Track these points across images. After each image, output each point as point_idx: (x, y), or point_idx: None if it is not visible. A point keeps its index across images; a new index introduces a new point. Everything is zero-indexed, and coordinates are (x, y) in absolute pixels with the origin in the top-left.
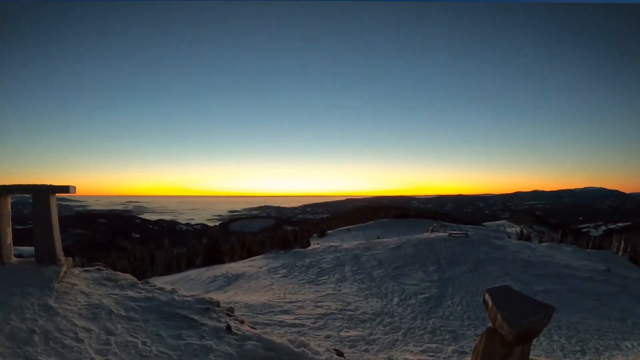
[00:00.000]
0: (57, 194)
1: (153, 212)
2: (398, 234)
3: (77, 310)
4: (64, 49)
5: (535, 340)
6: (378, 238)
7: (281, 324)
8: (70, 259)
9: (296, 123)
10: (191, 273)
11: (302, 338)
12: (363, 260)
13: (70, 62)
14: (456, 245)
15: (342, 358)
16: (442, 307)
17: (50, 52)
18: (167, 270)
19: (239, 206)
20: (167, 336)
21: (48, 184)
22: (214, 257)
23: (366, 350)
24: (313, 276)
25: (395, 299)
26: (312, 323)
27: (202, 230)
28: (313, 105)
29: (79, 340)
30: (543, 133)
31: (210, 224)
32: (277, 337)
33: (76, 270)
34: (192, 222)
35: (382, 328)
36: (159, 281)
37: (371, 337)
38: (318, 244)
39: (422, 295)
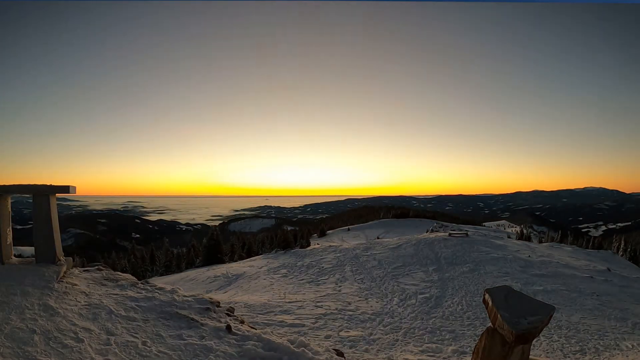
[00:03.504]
0: (57, 194)
1: (153, 212)
2: (398, 234)
3: (77, 310)
4: (64, 49)
5: (535, 340)
6: (378, 238)
7: (281, 324)
8: (70, 259)
9: (297, 122)
10: (191, 273)
11: (302, 338)
12: (363, 260)
13: (71, 63)
14: (456, 245)
15: (342, 358)
16: (442, 307)
17: (50, 52)
18: (167, 270)
19: (239, 206)
20: (167, 336)
21: (48, 184)
22: (214, 257)
23: (366, 350)
24: (313, 276)
25: (395, 299)
26: (312, 323)
27: (202, 230)
28: (315, 104)
29: (79, 340)
30: (543, 133)
31: (210, 224)
32: (277, 337)
33: (76, 270)
34: (192, 222)
35: (382, 328)
36: (159, 281)
37: (371, 337)
38: (318, 244)
39: (422, 295)
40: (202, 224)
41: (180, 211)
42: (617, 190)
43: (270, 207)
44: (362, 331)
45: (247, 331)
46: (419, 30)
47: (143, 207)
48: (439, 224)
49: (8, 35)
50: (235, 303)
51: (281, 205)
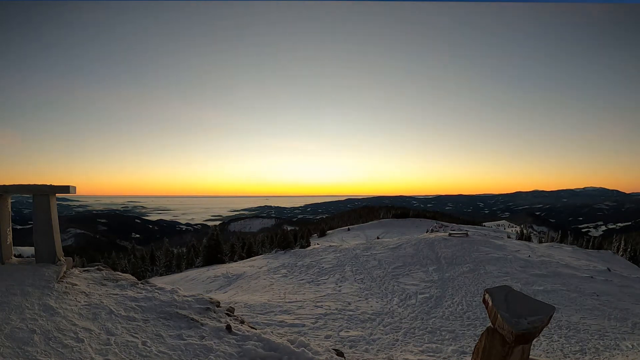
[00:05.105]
0: (57, 194)
1: (153, 212)
2: (398, 234)
3: (77, 310)
4: (64, 49)
5: (535, 340)
6: (378, 238)
7: (281, 324)
8: (70, 259)
9: (297, 122)
10: (191, 273)
11: (302, 338)
12: (363, 260)
13: (71, 63)
14: (456, 245)
15: (342, 358)
16: (442, 307)
17: (50, 52)
18: (167, 270)
19: (239, 206)
20: (167, 336)
21: (48, 184)
22: (214, 257)
23: (366, 350)
24: (313, 276)
25: (395, 299)
26: (312, 323)
27: (202, 230)
28: (314, 104)
29: (79, 340)
30: (543, 133)
31: (210, 224)
32: (277, 337)
33: (76, 270)
34: (192, 222)
35: (382, 328)
36: (159, 281)
37: (371, 337)
38: (318, 243)
39: (422, 295)
40: (202, 224)
41: (180, 211)
42: (617, 190)
43: (270, 207)
44: (362, 331)
45: (247, 331)
46: (420, 30)
47: (143, 207)
48: (439, 224)
49: (8, 35)
50: (235, 303)
51: (281, 205)
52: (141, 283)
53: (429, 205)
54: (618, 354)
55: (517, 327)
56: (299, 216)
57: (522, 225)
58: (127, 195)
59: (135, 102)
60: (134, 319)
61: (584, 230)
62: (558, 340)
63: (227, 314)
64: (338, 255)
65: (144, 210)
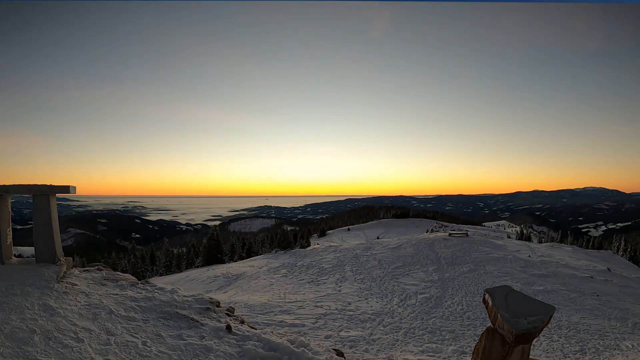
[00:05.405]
0: (57, 194)
1: (153, 212)
2: (398, 234)
3: (77, 310)
4: (64, 49)
5: (535, 340)
6: (378, 238)
7: (281, 324)
8: (70, 259)
9: (297, 122)
10: (191, 273)
11: (302, 338)
12: (363, 260)
13: (70, 62)
14: (456, 245)
15: (342, 358)
16: (442, 307)
17: (50, 52)
18: (167, 270)
19: (239, 206)
20: (167, 336)
21: (48, 184)
22: (214, 257)
23: (366, 350)
24: (313, 276)
25: (395, 299)
26: (312, 323)
27: (202, 230)
28: (315, 103)
29: (79, 340)
30: (543, 133)
31: (210, 224)
32: (277, 337)
33: (76, 270)
34: (192, 222)
35: (382, 328)
36: (159, 281)
37: (371, 337)
38: (318, 243)
39: (422, 295)
40: (202, 224)
41: (180, 211)
42: (617, 190)
43: (270, 207)
44: (362, 331)
45: (247, 331)
46: (419, 29)
47: (143, 207)
48: (439, 224)
49: (8, 35)
50: (235, 303)
51: (281, 205)
52: (141, 283)
53: (429, 205)
54: (618, 354)
55: (517, 327)
56: (299, 216)
57: (522, 225)
58: (127, 195)
59: (135, 101)
60: (134, 319)
61: (584, 230)
62: (558, 340)
63: (227, 314)
64: (338, 255)
65: (144, 210)
